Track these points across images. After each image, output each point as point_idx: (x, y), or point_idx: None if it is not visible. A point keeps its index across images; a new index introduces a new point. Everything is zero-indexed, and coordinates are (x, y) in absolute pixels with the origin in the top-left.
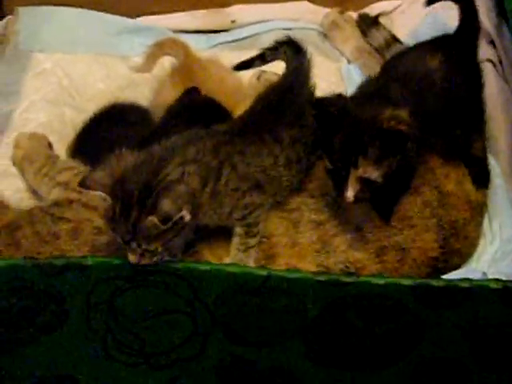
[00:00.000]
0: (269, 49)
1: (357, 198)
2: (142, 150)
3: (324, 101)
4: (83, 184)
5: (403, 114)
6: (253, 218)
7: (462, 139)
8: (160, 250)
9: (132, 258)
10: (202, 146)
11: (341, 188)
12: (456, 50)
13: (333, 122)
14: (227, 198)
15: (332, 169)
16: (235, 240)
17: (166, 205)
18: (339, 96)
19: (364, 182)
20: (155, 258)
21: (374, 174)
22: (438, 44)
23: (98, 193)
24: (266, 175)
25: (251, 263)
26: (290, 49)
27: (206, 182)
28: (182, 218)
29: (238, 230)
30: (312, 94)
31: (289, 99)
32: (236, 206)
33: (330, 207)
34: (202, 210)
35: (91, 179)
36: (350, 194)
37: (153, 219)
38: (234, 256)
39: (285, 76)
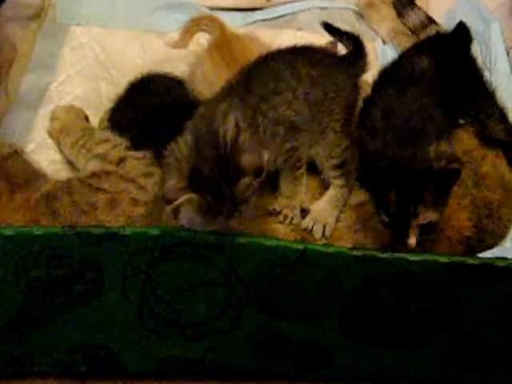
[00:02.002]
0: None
1: (419, 242)
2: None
3: (370, 155)
4: (166, 200)
5: (446, 146)
6: (294, 160)
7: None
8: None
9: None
10: (231, 101)
11: (401, 236)
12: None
13: (383, 175)
14: (270, 146)
15: (389, 221)
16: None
17: (247, 160)
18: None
19: (423, 226)
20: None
21: (434, 216)
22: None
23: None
24: (293, 111)
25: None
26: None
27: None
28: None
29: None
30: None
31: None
32: (279, 152)
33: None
34: None
35: (169, 191)
36: (412, 241)
37: (244, 180)
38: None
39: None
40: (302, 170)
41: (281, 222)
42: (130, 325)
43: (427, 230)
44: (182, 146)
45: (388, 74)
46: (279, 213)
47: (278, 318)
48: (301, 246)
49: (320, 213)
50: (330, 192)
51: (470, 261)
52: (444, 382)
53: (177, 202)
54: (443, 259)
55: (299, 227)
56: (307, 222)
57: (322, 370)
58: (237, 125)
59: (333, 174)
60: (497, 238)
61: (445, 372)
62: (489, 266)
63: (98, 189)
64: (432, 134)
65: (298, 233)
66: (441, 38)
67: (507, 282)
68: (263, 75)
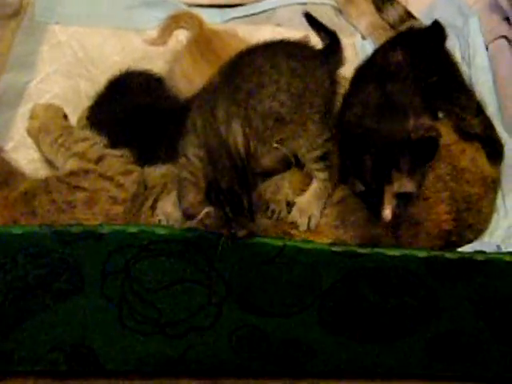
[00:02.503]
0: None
1: (394, 215)
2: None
3: (346, 124)
4: (188, 216)
5: (426, 120)
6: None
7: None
8: None
9: (243, 233)
10: (225, 105)
11: (376, 208)
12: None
13: (358, 142)
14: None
15: (365, 190)
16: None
17: (266, 161)
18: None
19: (399, 197)
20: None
21: (409, 186)
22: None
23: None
24: (278, 102)
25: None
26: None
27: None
28: None
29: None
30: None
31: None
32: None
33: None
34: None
35: (190, 206)
36: (387, 212)
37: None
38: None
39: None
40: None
41: (269, 218)
42: (110, 323)
43: (404, 202)
44: (194, 160)
45: (364, 70)
46: (266, 208)
47: (258, 315)
48: (280, 243)
49: (305, 205)
50: (314, 185)
51: (449, 255)
52: (424, 376)
53: (198, 218)
54: (422, 254)
55: (282, 222)
56: (293, 215)
57: (303, 365)
58: (244, 133)
59: (315, 166)
60: (476, 232)
61: (425, 366)
62: (468, 260)
63: (76, 187)
64: (412, 110)
65: (279, 228)
66: (414, 32)
67: (486, 276)
68: (245, 71)
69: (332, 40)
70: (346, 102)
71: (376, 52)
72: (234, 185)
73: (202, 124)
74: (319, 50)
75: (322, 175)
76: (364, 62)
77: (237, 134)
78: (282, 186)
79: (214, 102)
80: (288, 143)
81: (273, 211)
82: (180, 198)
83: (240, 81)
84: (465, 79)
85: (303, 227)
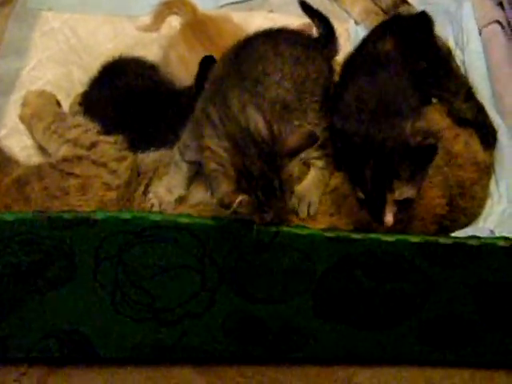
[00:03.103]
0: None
1: (396, 220)
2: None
3: (345, 132)
4: (224, 206)
5: (422, 124)
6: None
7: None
8: None
9: (270, 216)
10: (233, 91)
11: (377, 214)
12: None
13: (358, 151)
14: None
15: (365, 198)
16: None
17: (293, 140)
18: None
19: (400, 203)
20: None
21: (410, 192)
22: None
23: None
24: (284, 89)
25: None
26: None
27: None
28: None
29: None
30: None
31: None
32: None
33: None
34: None
35: (225, 197)
36: (388, 219)
37: (289, 167)
38: None
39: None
40: None
41: None
42: (103, 310)
43: (404, 207)
44: (219, 151)
45: (354, 59)
46: None
47: (252, 301)
48: (274, 229)
49: (304, 192)
50: (312, 173)
51: (443, 240)
52: (418, 362)
53: (234, 206)
54: (416, 239)
55: None
56: (292, 202)
57: (297, 352)
58: (265, 118)
59: (314, 154)
60: (470, 217)
61: (419, 351)
62: (461, 245)
63: (69, 174)
64: (406, 112)
65: None
66: (400, 19)
67: (480, 261)
68: (249, 60)
69: (327, 27)
70: (337, 97)
71: (364, 41)
72: (263, 169)
73: (218, 116)
74: (317, 39)
75: (320, 163)
76: (353, 52)
77: (257, 121)
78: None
79: (224, 92)
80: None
81: None
82: (212, 190)
83: (246, 69)
84: (453, 65)
85: (303, 214)
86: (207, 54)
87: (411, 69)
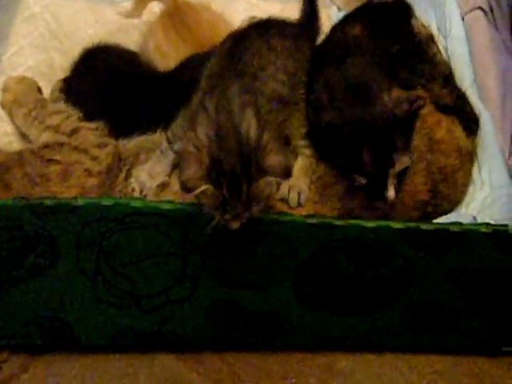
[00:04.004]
0: None
1: (396, 192)
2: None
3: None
4: (185, 189)
5: (399, 92)
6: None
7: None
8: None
9: (236, 225)
10: (233, 87)
11: (379, 192)
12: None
13: (350, 140)
14: (272, 123)
15: (367, 181)
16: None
17: (274, 160)
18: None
19: (398, 174)
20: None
21: (408, 160)
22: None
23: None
24: (279, 83)
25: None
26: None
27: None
28: None
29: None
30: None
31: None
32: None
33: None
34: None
35: (189, 180)
36: (391, 193)
37: (266, 179)
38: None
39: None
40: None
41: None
42: (85, 296)
43: (401, 177)
44: (203, 137)
45: (323, 48)
46: None
47: (234, 287)
48: (256, 215)
49: (293, 181)
50: (300, 162)
51: (425, 226)
52: (400, 348)
53: (196, 192)
54: (398, 225)
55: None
56: (282, 192)
57: (279, 338)
58: (259, 124)
59: (302, 143)
60: (452, 203)
61: (401, 337)
62: (443, 231)
63: (50, 160)
64: (377, 87)
65: None
66: (373, 5)
67: (462, 247)
68: (245, 55)
69: (310, 11)
70: (309, 89)
71: (333, 29)
72: (237, 169)
73: (215, 107)
74: (300, 24)
75: (307, 151)
76: (323, 41)
77: (251, 124)
78: None
79: (224, 86)
80: (285, 124)
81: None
82: (181, 169)
83: (242, 65)
84: (430, 51)
85: (294, 203)
86: (185, 43)
87: (383, 54)
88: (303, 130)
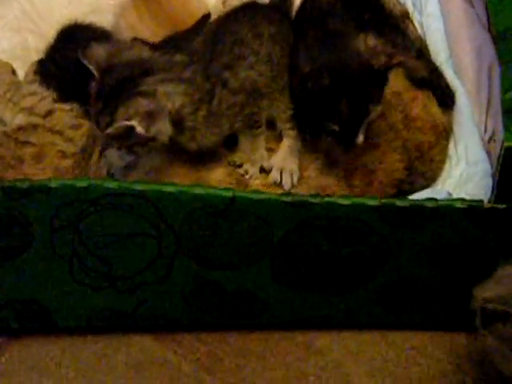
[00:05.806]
0: None
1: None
2: None
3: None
4: (84, 54)
5: (374, 41)
6: (253, 122)
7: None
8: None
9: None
10: (196, 67)
11: (349, 139)
12: None
13: (329, 91)
14: (223, 117)
15: (340, 128)
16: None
17: (120, 112)
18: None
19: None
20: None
21: (379, 110)
22: None
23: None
24: (255, 72)
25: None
26: None
27: (198, 105)
28: (132, 128)
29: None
30: None
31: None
32: (235, 121)
33: (300, 138)
34: (199, 132)
35: (92, 52)
36: (360, 139)
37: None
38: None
39: None
40: (261, 129)
41: (242, 176)
42: (61, 279)
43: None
44: (132, 45)
45: (299, 18)
46: (240, 165)
47: (210, 267)
48: (230, 194)
49: (283, 163)
50: (286, 143)
51: (400, 203)
52: (378, 326)
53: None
54: (373, 202)
55: (235, 171)
56: (273, 175)
57: (257, 318)
58: (154, 91)
59: (287, 125)
60: (429, 181)
61: (379, 315)
62: (418, 207)
63: (24, 142)
64: (351, 36)
65: (234, 178)
66: None
67: (437, 223)
68: (228, 41)
69: None
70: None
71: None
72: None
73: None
74: (278, 5)
75: (292, 133)
76: (297, 12)
77: (146, 88)
78: (258, 147)
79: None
80: (263, 113)
81: (246, 171)
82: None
83: (220, 51)
84: (403, 25)
85: (287, 186)
86: (157, 24)
87: (355, 17)
88: (289, 113)
